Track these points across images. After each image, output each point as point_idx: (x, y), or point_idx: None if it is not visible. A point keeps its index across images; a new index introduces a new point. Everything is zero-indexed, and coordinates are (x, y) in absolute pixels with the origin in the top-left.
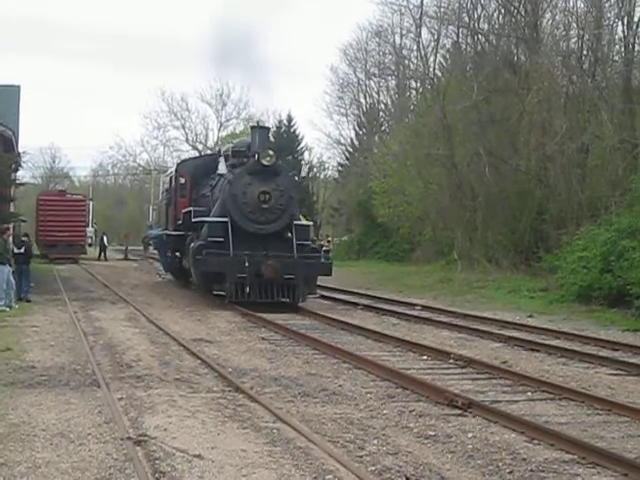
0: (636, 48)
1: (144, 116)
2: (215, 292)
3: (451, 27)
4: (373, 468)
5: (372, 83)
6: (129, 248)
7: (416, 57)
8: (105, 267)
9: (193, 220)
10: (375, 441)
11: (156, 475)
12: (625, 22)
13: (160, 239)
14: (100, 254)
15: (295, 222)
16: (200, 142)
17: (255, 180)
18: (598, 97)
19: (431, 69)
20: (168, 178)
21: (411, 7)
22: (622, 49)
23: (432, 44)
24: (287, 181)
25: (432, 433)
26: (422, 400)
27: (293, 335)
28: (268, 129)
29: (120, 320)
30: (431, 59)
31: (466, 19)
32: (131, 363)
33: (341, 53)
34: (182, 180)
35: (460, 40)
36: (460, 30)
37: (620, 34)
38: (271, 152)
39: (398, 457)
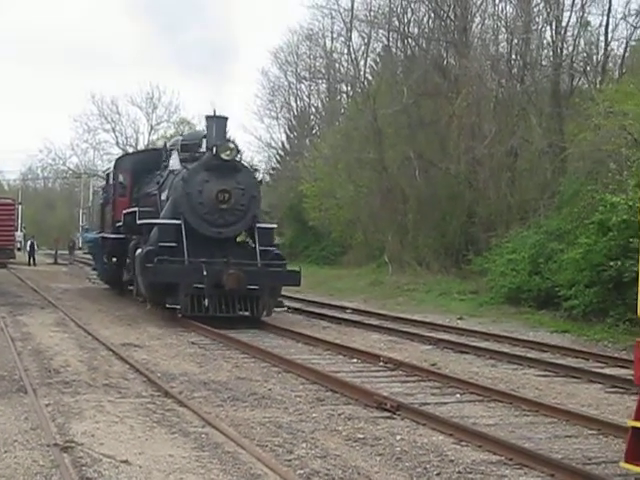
0: (564, 52)
1: (74, 119)
2: (168, 306)
3: (381, 31)
4: (301, 472)
5: (303, 87)
6: (59, 252)
7: (347, 61)
8: (34, 272)
9: (139, 222)
10: (304, 445)
11: None
12: (553, 27)
13: (95, 243)
14: (30, 259)
15: (258, 225)
16: (130, 145)
17: (213, 177)
18: (527, 101)
19: (361, 73)
20: (105, 176)
21: (342, 11)
22: (550, 53)
23: (362, 48)
24: (249, 178)
25: (361, 436)
26: (351, 403)
27: (223, 339)
28: (226, 119)
29: (49, 325)
30: (362, 63)
31: (396, 23)
32: (59, 369)
33: (272, 56)
34: (121, 177)
35: (390, 44)
36: (390, 34)
37: (548, 39)
38: (231, 145)
39: (326, 460)
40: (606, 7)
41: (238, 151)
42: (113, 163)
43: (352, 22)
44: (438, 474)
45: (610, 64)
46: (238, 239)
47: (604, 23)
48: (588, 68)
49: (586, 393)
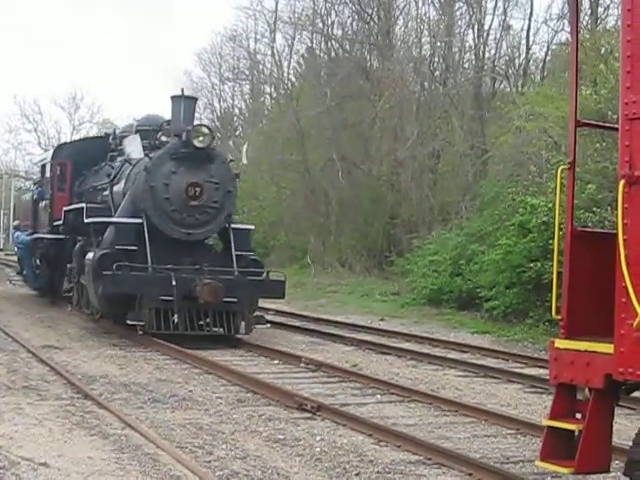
0: (486, 56)
1: None
2: (130, 322)
3: (305, 33)
4: (221, 473)
5: (226, 88)
6: None
7: (270, 62)
8: None
9: (87, 221)
10: (224, 446)
11: None
12: (476, 30)
13: (27, 245)
14: None
15: (233, 225)
16: (53, 146)
17: (181, 168)
18: (449, 104)
19: (285, 74)
20: (39, 167)
21: (265, 12)
22: (473, 57)
23: (286, 49)
24: (224, 170)
25: (281, 437)
26: (272, 404)
27: (144, 341)
28: (195, 100)
29: None
30: (285, 64)
31: (320, 25)
32: None
33: (196, 57)
34: (59, 170)
35: (314, 46)
36: (314, 36)
37: (471, 42)
38: (205, 130)
39: (246, 461)
40: (528, 11)
41: (213, 137)
42: (50, 153)
43: (276, 23)
44: (357, 474)
45: (532, 68)
46: (206, 242)
47: (526, 27)
48: (510, 71)
49: (505, 393)
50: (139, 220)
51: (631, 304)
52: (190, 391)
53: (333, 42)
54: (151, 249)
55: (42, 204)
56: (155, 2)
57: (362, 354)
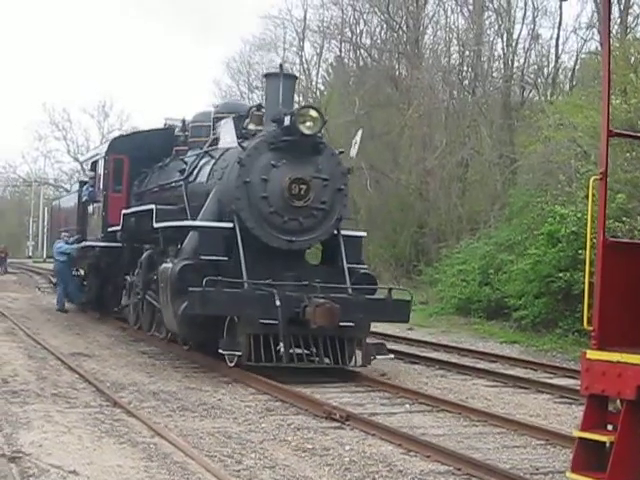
0: (515, 64)
1: (24, 127)
2: (223, 352)
3: (334, 41)
4: None
5: (255, 96)
6: (9, 261)
7: (299, 71)
8: None
9: (158, 225)
10: (253, 455)
11: None
12: (504, 39)
13: (71, 254)
14: None
15: (344, 232)
16: (82, 154)
17: (283, 160)
18: (478, 113)
19: (314, 83)
20: (89, 165)
21: (294, 21)
22: (502, 65)
23: (315, 58)
24: (333, 164)
25: (310, 446)
26: (301, 413)
27: (173, 349)
28: (295, 78)
29: None
30: (314, 73)
31: (349, 34)
32: (7, 378)
33: (224, 66)
34: (115, 166)
35: (343, 54)
36: (343, 44)
37: (500, 51)
38: (314, 113)
39: (275, 471)
40: (557, 20)
41: (324, 122)
42: (103, 147)
43: (305, 32)
44: None
45: (561, 76)
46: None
47: (555, 36)
48: (539, 80)
49: (534, 403)
50: (229, 224)
51: None
52: (219, 399)
53: (362, 51)
54: (246, 260)
55: (92, 207)
56: (186, 11)
57: (390, 363)
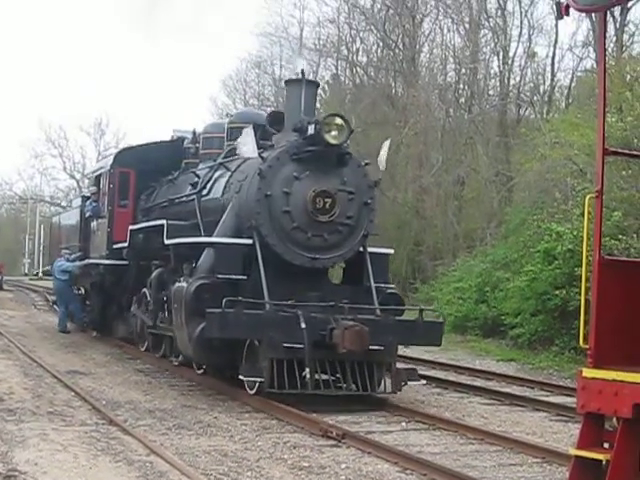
0: (511, 82)
1: (20, 144)
2: (244, 378)
3: (330, 59)
4: None
5: None
6: (4, 278)
7: None
8: None
9: (170, 242)
10: (249, 473)
11: None
12: (500, 57)
13: (72, 272)
14: None
15: (370, 249)
16: (78, 171)
17: (306, 172)
18: (474, 130)
19: None
20: (93, 178)
21: (290, 39)
22: (498, 83)
23: (311, 75)
24: (360, 176)
25: (306, 464)
26: (297, 431)
27: (169, 366)
28: (317, 85)
29: None
30: None
31: (345, 52)
32: (3, 396)
33: (221, 84)
34: (120, 180)
35: (339, 72)
36: (339, 62)
37: (496, 69)
38: (340, 121)
39: None
40: (553, 38)
41: (351, 131)
42: (107, 160)
43: (301, 50)
44: None
45: (557, 94)
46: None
47: (551, 54)
48: (535, 98)
49: (531, 421)
50: (248, 241)
51: None
52: (215, 417)
53: (358, 69)
54: (267, 279)
55: (96, 223)
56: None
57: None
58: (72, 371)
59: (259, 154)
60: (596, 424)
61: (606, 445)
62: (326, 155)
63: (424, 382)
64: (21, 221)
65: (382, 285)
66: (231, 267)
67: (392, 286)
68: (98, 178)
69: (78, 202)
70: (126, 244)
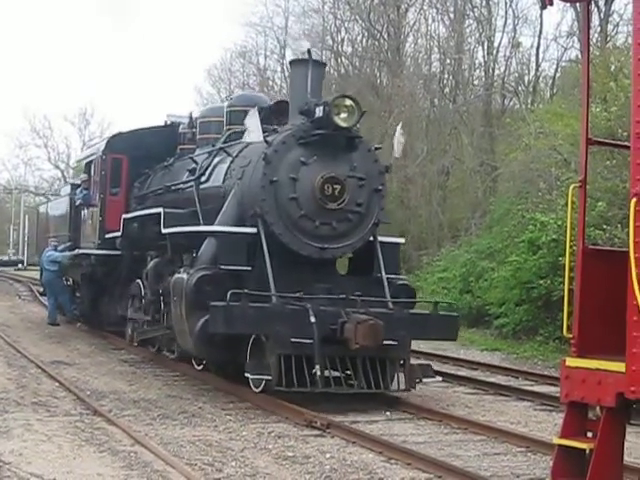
0: (496, 73)
1: (4, 134)
2: (250, 376)
3: (315, 49)
4: None
5: None
6: None
7: (280, 78)
8: None
9: (168, 231)
10: (233, 463)
11: None
12: (485, 47)
13: (62, 263)
14: None
15: (381, 239)
16: (62, 161)
17: (313, 157)
18: (459, 121)
19: None
20: (83, 164)
21: (275, 29)
22: (482, 74)
23: None
24: (370, 161)
25: (291, 454)
26: (281, 421)
27: (153, 358)
28: (324, 66)
29: None
30: None
31: (330, 42)
32: None
33: (205, 73)
34: (112, 167)
35: (324, 62)
36: (324, 52)
37: (480, 59)
38: (350, 103)
39: (256, 479)
40: (537, 29)
41: (362, 113)
42: (99, 146)
43: (286, 40)
44: None
45: (541, 85)
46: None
47: (535, 44)
48: (519, 88)
49: (515, 410)
50: (252, 229)
51: None
52: (200, 407)
53: (343, 59)
54: (274, 270)
55: (86, 212)
56: (165, 19)
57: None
58: (56, 361)
59: (264, 138)
60: (579, 413)
61: (589, 434)
62: (335, 139)
63: (440, 379)
64: (5, 211)
65: (393, 276)
66: (234, 257)
67: (403, 277)
68: (89, 165)
69: (67, 190)
70: (119, 233)
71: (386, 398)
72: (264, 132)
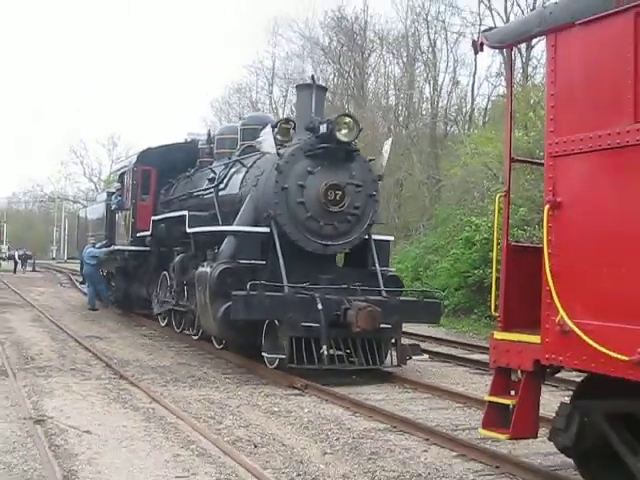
0: (440, 105)
1: (49, 155)
2: (267, 355)
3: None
4: (228, 438)
5: None
6: (36, 262)
7: (268, 110)
8: (17, 278)
9: (192, 230)
10: (231, 417)
11: (52, 448)
12: (431, 84)
13: (100, 257)
14: (15, 267)
15: (374, 236)
16: (95, 176)
17: (318, 167)
18: (410, 143)
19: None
20: (118, 175)
21: (265, 70)
22: (429, 106)
23: (282, 99)
24: (365, 170)
25: (276, 409)
26: (270, 383)
27: (167, 333)
28: (325, 90)
29: (27, 321)
30: (280, 111)
31: (308, 80)
32: (35, 356)
33: (209, 105)
34: (143, 177)
35: None
36: None
37: (427, 94)
38: (349, 120)
39: (249, 429)
40: (472, 70)
41: (360, 129)
42: (130, 160)
43: (273, 79)
44: (337, 439)
45: (476, 114)
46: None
47: (471, 82)
48: (458, 117)
49: (455, 374)
50: (266, 229)
51: (554, 304)
52: (204, 372)
53: None
54: (285, 264)
55: (120, 215)
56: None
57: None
58: (90, 336)
59: (277, 152)
60: (505, 376)
61: (513, 392)
62: (336, 152)
63: (427, 357)
64: (50, 216)
65: (384, 269)
66: (251, 253)
67: (393, 270)
68: (122, 175)
69: (103, 197)
70: (148, 233)
71: (379, 373)
72: (277, 145)
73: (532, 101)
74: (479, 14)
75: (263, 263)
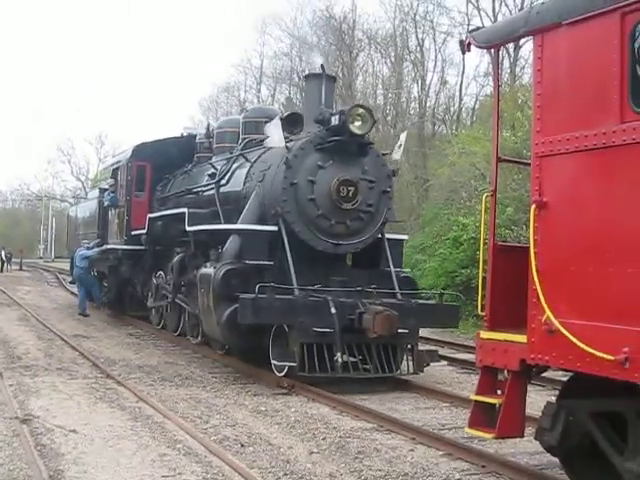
0: (428, 104)
1: (36, 153)
2: (276, 362)
3: (284, 85)
4: (215, 437)
5: None
6: (23, 261)
7: None
8: (3, 277)
9: (192, 229)
10: (218, 416)
11: (38, 447)
12: (419, 84)
13: (91, 257)
14: (2, 266)
15: (388, 235)
16: (82, 174)
17: (329, 162)
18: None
19: None
20: (110, 170)
21: (253, 69)
22: (417, 105)
23: (269, 99)
24: (379, 165)
25: (263, 408)
26: (256, 383)
27: (154, 332)
28: (335, 80)
29: (14, 320)
30: None
31: (296, 79)
32: (21, 355)
33: (197, 104)
34: (137, 172)
35: (292, 96)
36: (292, 87)
37: (415, 94)
38: (362, 111)
39: (235, 428)
40: (461, 69)
41: (374, 121)
42: (124, 154)
43: (261, 78)
44: (324, 438)
45: (464, 114)
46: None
47: (459, 82)
48: (446, 117)
49: (442, 373)
50: (274, 227)
51: (540, 303)
52: (191, 371)
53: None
54: (295, 265)
55: (114, 212)
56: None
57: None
58: (77, 335)
59: (285, 145)
60: (491, 375)
61: (499, 392)
62: (348, 145)
63: (445, 363)
64: (37, 215)
65: (397, 269)
66: (258, 253)
67: (407, 270)
68: (115, 171)
69: (95, 194)
70: (144, 231)
71: (396, 381)
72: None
73: (520, 101)
74: (467, 14)
75: (270, 264)
